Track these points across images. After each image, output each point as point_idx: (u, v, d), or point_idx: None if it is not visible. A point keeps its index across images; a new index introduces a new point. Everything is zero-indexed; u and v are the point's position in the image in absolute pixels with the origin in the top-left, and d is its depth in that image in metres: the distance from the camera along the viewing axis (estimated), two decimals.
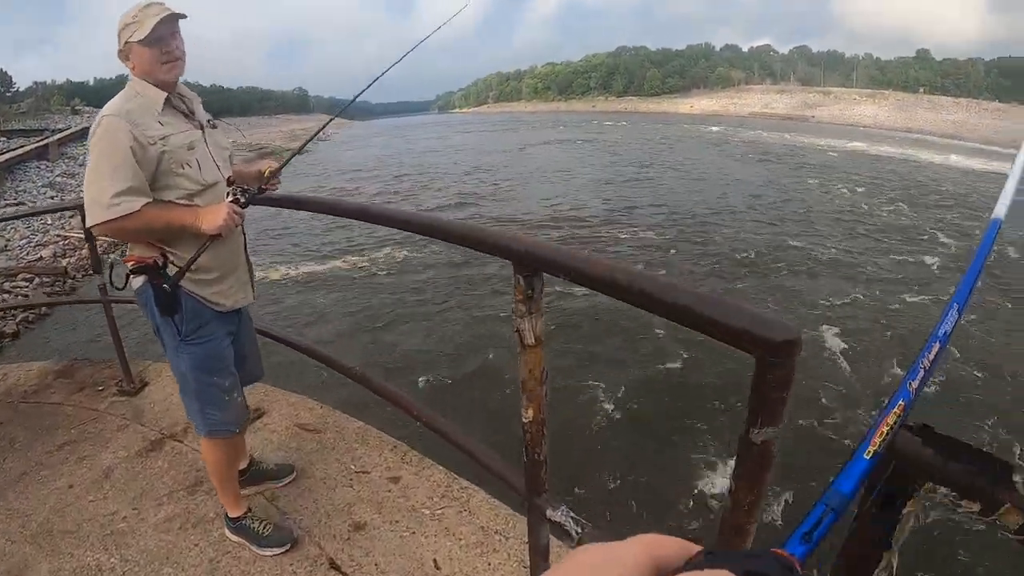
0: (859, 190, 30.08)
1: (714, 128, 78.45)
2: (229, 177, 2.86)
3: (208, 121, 2.84)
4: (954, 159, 53.51)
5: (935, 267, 17.03)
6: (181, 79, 2.70)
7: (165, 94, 2.59)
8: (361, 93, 3.19)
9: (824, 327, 12.44)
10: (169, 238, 2.63)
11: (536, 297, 1.97)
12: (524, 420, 2.15)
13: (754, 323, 1.25)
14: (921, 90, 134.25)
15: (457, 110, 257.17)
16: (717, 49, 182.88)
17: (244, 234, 3.01)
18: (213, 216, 2.59)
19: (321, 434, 4.02)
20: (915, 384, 1.01)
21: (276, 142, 62.16)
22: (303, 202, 3.22)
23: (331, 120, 3.69)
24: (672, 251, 17.71)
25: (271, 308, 13.30)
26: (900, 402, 0.94)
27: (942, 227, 21.79)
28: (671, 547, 0.41)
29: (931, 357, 1.07)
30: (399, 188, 29.88)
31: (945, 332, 1.10)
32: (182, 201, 2.60)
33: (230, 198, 2.77)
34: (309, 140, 3.51)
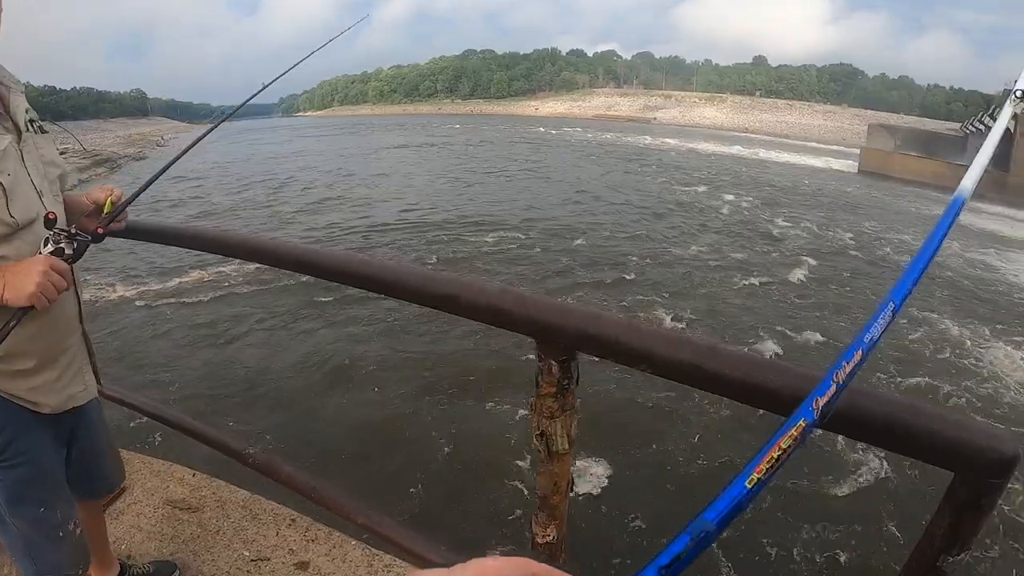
0: (700, 188, 31.39)
1: (552, 131, 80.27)
2: (50, 215, 1.73)
3: (30, 122, 1.87)
4: (781, 155, 57.53)
5: (774, 255, 18.64)
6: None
7: None
8: (252, 97, 2.46)
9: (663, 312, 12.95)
10: None
11: (572, 388, 1.44)
12: (542, 540, 1.63)
13: (972, 435, 1.00)
14: (757, 93, 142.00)
15: (302, 113, 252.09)
16: (563, 54, 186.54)
17: (79, 298, 2.06)
18: (21, 279, 1.64)
19: (200, 513, 3.23)
20: (822, 400, 0.75)
21: (111, 148, 58.44)
22: (182, 236, 2.48)
23: (214, 127, 2.62)
24: (536, 249, 17.69)
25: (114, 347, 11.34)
26: (800, 422, 0.70)
27: (775, 218, 23.73)
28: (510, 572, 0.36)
29: (848, 369, 0.79)
30: (247, 196, 27.98)
31: (872, 338, 0.79)
32: None
33: (49, 247, 1.73)
34: (184, 152, 2.33)
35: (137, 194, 2.11)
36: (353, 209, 24.03)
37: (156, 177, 2.21)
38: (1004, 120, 1.26)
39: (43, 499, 1.98)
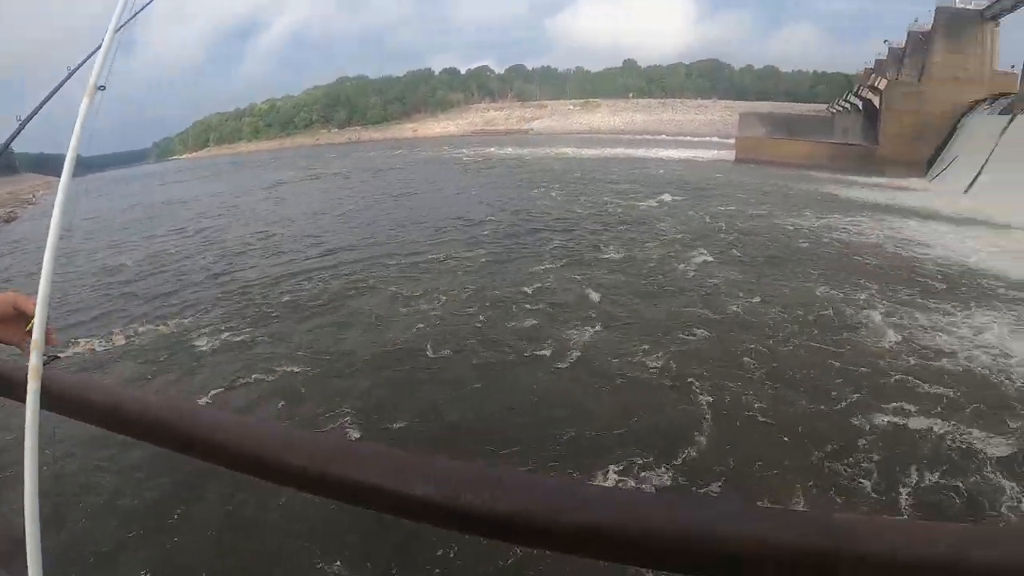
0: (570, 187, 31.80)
1: (431, 151, 79.63)
2: None
3: None
4: (660, 152, 59.37)
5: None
6: None
7: None
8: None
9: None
10: None
11: None
12: None
13: None
14: (630, 95, 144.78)
15: (177, 156, 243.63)
16: (436, 73, 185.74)
17: None
18: None
19: None
20: None
21: None
22: None
23: None
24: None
25: None
26: None
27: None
28: None
29: None
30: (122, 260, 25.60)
31: None
32: None
33: None
34: None
35: None
36: (268, 259, 22.47)
37: None
38: None
39: None
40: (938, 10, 48.06)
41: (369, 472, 0.85)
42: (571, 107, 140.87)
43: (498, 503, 0.78)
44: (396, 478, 0.84)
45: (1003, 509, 7.42)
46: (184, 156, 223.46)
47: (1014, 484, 7.80)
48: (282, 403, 10.64)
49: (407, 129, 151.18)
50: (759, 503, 7.51)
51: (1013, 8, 43.52)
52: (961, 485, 7.86)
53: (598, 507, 0.75)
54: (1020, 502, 7.50)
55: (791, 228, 24.12)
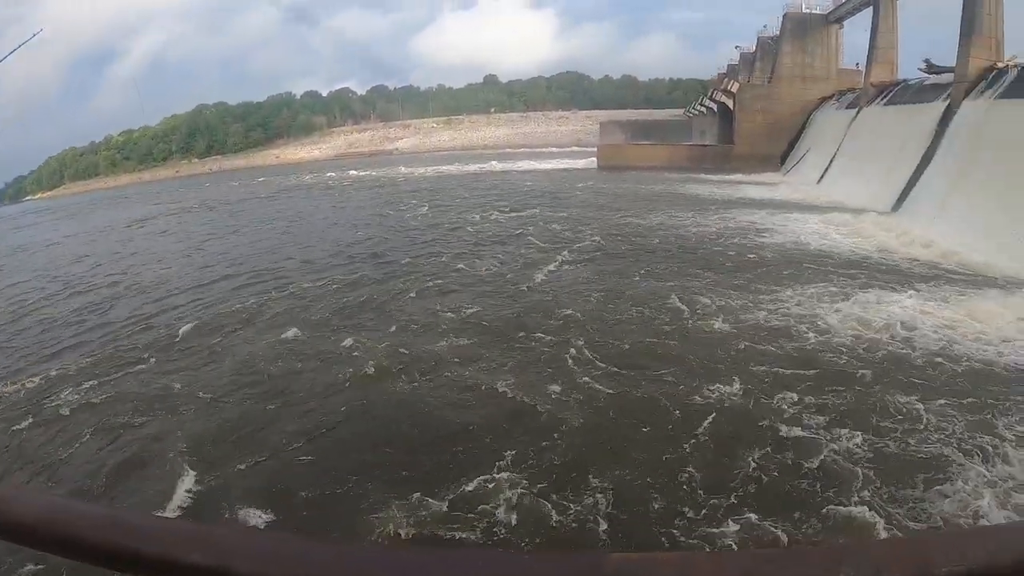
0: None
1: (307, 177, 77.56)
2: None
3: None
4: (524, 164, 59.49)
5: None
6: None
7: None
8: None
9: None
10: None
11: None
12: None
13: None
14: (492, 110, 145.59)
15: (32, 197, 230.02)
16: (298, 97, 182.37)
17: None
18: None
19: None
20: None
21: None
22: None
23: None
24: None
25: None
26: None
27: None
28: None
29: None
30: None
31: None
32: None
33: None
34: None
35: None
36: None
37: None
38: None
39: None
40: (786, 16, 49.99)
41: (139, 540, 0.81)
42: (434, 125, 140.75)
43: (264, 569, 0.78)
44: (162, 545, 0.81)
45: (820, 487, 7.70)
46: (39, 196, 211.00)
47: (829, 458, 8.25)
48: (150, 458, 9.89)
49: (270, 156, 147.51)
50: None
51: (855, 11, 45.45)
52: (787, 462, 8.25)
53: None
54: (831, 472, 7.95)
55: (647, 228, 25.03)
